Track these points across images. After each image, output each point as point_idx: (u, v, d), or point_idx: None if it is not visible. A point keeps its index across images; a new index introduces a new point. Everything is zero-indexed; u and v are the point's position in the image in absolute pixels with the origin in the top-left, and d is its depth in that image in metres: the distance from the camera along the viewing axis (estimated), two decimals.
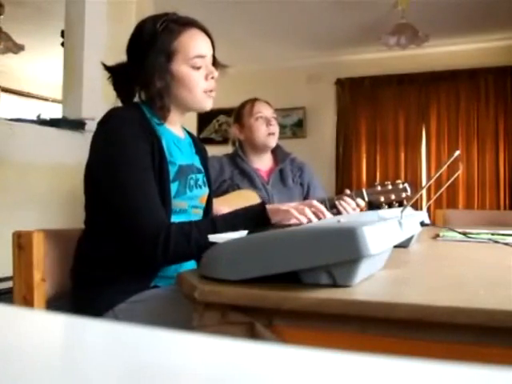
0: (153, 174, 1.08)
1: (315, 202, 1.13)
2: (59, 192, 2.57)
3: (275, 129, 1.99)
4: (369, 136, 5.50)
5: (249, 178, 1.95)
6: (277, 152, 2.05)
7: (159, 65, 1.14)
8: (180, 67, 1.16)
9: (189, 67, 1.17)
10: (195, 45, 1.18)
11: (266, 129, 1.96)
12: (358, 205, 1.71)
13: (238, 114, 2.04)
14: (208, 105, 1.22)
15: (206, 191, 1.29)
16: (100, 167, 1.11)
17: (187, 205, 1.20)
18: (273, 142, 1.99)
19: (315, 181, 2.07)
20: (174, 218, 1.16)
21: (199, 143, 1.37)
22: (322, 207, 1.12)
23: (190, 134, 1.36)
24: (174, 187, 1.14)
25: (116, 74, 1.23)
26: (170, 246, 1.01)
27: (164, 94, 1.16)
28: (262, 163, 2.02)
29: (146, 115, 1.16)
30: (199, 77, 1.18)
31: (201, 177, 1.27)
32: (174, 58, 1.16)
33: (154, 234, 1.02)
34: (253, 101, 2.03)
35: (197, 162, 1.29)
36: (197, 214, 1.26)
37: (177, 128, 1.26)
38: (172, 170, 1.14)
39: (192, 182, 1.21)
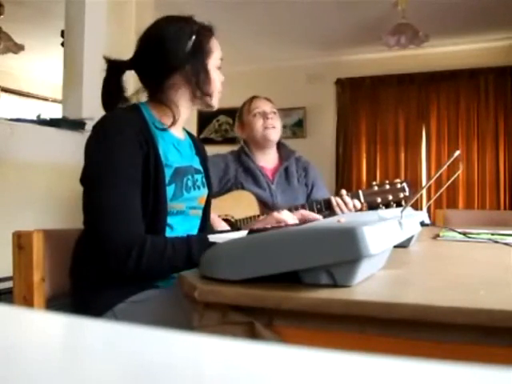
0: (137, 185, 1.08)
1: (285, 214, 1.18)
2: (59, 192, 2.57)
3: (273, 122, 1.98)
4: (369, 136, 5.50)
5: (253, 177, 1.94)
6: (281, 150, 2.05)
7: (200, 63, 1.20)
8: (212, 66, 1.24)
9: (215, 67, 1.25)
10: (219, 48, 1.27)
11: (263, 123, 1.96)
12: (354, 206, 1.71)
13: (239, 113, 2.06)
14: (217, 104, 1.28)
15: (204, 192, 1.29)
16: (88, 173, 1.12)
17: (185, 206, 1.20)
18: (272, 135, 1.98)
19: (319, 181, 2.06)
20: (171, 220, 1.16)
21: (199, 144, 1.38)
22: (289, 218, 1.16)
23: (190, 134, 1.36)
24: (170, 190, 1.14)
25: (118, 70, 1.23)
26: (142, 262, 1.01)
27: (203, 87, 1.21)
28: (267, 161, 2.02)
29: (144, 118, 1.16)
30: (220, 77, 1.27)
31: (199, 177, 1.27)
32: (210, 56, 1.23)
33: (127, 248, 1.01)
34: (251, 98, 2.05)
35: (196, 163, 1.29)
36: (195, 215, 1.26)
37: (178, 129, 1.26)
38: (168, 173, 1.14)
39: (190, 183, 1.21)
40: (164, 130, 1.19)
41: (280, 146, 2.05)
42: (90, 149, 1.13)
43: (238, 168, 1.96)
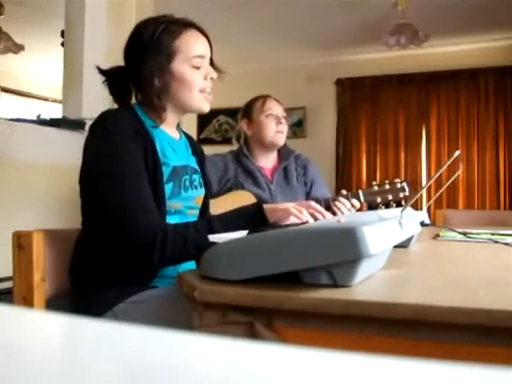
0: (146, 176, 1.09)
1: (314, 203, 1.13)
2: (59, 192, 2.57)
3: (284, 128, 1.99)
4: (369, 136, 5.50)
5: (252, 177, 1.94)
6: (281, 150, 2.05)
7: (159, 65, 1.15)
8: (180, 67, 1.17)
9: (189, 67, 1.18)
10: (196, 45, 1.19)
11: (275, 127, 1.96)
12: (353, 205, 1.71)
13: (248, 109, 2.04)
14: (205, 106, 1.23)
15: (202, 192, 1.29)
16: (94, 173, 1.11)
17: (182, 205, 1.20)
18: (281, 140, 1.98)
19: (319, 179, 2.06)
20: (169, 219, 1.16)
21: (196, 144, 1.38)
22: (320, 208, 1.12)
23: (186, 135, 1.36)
24: (168, 188, 1.14)
25: (112, 77, 1.23)
26: (167, 249, 1.02)
27: (162, 94, 1.17)
28: (267, 161, 2.02)
29: (139, 117, 1.17)
30: (198, 76, 1.20)
31: (197, 177, 1.27)
32: (174, 57, 1.17)
33: (151, 238, 1.02)
34: (264, 97, 2.04)
35: (193, 163, 1.29)
36: (193, 215, 1.27)
37: (172, 129, 1.26)
38: (166, 171, 1.14)
39: (187, 183, 1.21)
40: (155, 126, 1.18)
41: (281, 146, 2.05)
42: (92, 149, 1.13)
43: (237, 168, 1.96)
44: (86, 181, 1.14)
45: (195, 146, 1.36)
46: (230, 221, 1.06)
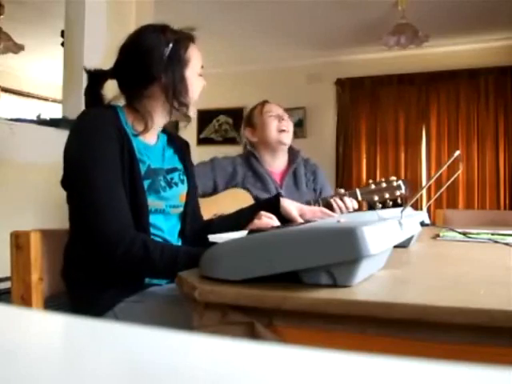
0: (121, 177, 1.09)
1: (326, 210, 1.15)
2: (59, 192, 2.56)
3: (288, 125, 1.97)
4: (369, 136, 5.50)
5: (262, 181, 1.92)
6: (289, 152, 2.03)
7: (178, 71, 1.20)
8: (192, 74, 1.24)
9: (197, 75, 1.25)
10: (199, 55, 1.27)
11: (278, 125, 1.94)
12: (347, 206, 1.71)
13: (249, 117, 2.03)
14: (194, 114, 1.29)
15: (184, 188, 1.28)
16: (71, 172, 1.12)
17: (164, 204, 1.19)
18: (286, 138, 1.95)
19: (327, 186, 2.05)
20: (152, 218, 1.16)
21: (177, 140, 1.36)
22: (332, 213, 1.14)
23: (166, 133, 1.33)
24: (145, 184, 1.15)
25: (101, 78, 1.23)
26: (128, 256, 1.02)
27: (180, 98, 1.21)
28: (276, 164, 2.00)
29: (119, 117, 1.17)
30: (201, 84, 1.28)
31: (176, 175, 1.26)
32: (188, 65, 1.22)
33: (119, 239, 1.03)
34: (263, 102, 2.04)
35: (168, 164, 1.27)
36: (176, 214, 1.26)
37: (151, 134, 1.25)
38: (142, 168, 1.15)
39: (163, 183, 1.20)
40: (134, 135, 1.18)
41: (288, 148, 2.03)
42: (70, 149, 1.12)
43: (246, 172, 1.93)
44: (66, 181, 1.15)
45: (176, 143, 1.34)
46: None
